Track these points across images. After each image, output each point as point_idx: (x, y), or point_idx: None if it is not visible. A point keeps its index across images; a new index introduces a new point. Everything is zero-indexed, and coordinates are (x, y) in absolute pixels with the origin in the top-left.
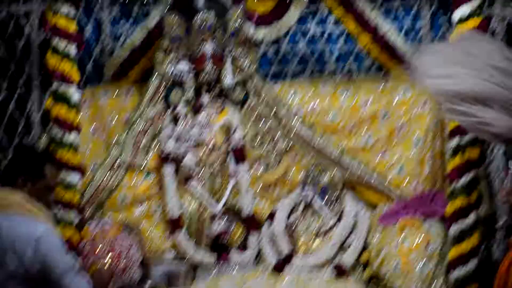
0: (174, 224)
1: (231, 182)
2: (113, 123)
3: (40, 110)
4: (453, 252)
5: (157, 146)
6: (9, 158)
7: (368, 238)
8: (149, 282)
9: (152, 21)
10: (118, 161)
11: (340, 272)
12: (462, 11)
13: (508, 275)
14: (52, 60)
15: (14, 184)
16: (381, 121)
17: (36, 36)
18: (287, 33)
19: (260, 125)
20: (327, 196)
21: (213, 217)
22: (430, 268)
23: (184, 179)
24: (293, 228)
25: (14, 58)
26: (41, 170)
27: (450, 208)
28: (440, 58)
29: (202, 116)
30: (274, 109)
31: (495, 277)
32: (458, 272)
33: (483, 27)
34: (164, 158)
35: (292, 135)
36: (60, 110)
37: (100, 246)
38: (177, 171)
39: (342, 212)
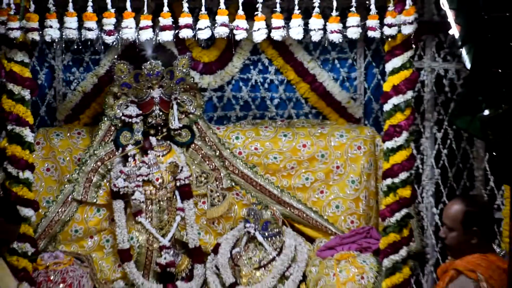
0: (123, 256)
1: (178, 217)
2: (65, 162)
3: None
4: (386, 284)
5: (108, 184)
6: None
7: (306, 270)
8: None
9: (102, 68)
10: (70, 197)
11: None
12: (394, 63)
13: None
14: (7, 104)
15: None
16: (319, 162)
17: None
18: (230, 80)
19: (204, 165)
20: (268, 231)
21: (161, 249)
22: None
23: (133, 214)
24: (236, 260)
25: None
26: (13, 215)
27: (383, 243)
28: None
29: (150, 156)
30: (218, 151)
31: None
32: None
33: (413, 78)
34: (114, 194)
35: (235, 175)
36: (15, 150)
37: (52, 276)
38: (126, 206)
39: (282, 245)
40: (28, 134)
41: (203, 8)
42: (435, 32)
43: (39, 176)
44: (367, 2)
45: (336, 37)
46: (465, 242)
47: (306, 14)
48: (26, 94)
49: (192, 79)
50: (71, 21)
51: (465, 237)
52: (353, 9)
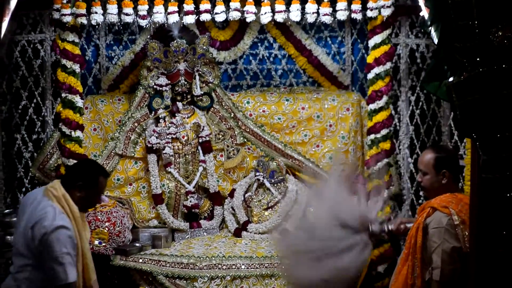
0: (157, 199)
1: (200, 168)
2: (109, 123)
3: (52, 114)
4: None
5: (143, 141)
6: (72, 166)
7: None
8: (138, 243)
9: (138, 46)
10: (113, 152)
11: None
12: (375, 40)
13: (417, 236)
14: (61, 76)
15: (73, 186)
16: (315, 122)
17: (48, 58)
18: (242, 55)
19: (222, 125)
20: (274, 178)
21: (187, 194)
22: None
23: (164, 165)
24: (249, 202)
25: (32, 74)
26: (96, 180)
27: (368, 187)
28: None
29: (177, 118)
30: (233, 113)
31: (406, 238)
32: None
33: (391, 52)
34: (148, 149)
35: (247, 132)
36: (68, 114)
37: (100, 216)
38: (158, 159)
39: (286, 190)
40: (78, 101)
41: None
42: (409, 13)
43: (87, 135)
44: None
45: (327, 19)
46: (437, 183)
47: (303, 0)
48: (76, 68)
49: (211, 54)
50: (112, 8)
51: (437, 179)
52: None
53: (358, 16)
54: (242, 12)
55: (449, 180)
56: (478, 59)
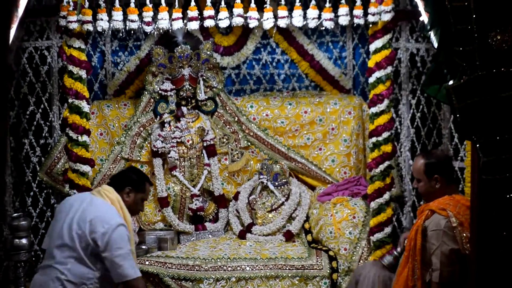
0: (162, 202)
1: (205, 171)
2: (115, 128)
3: (59, 119)
4: (373, 222)
5: (149, 145)
6: (120, 172)
7: (309, 211)
8: (144, 245)
9: (143, 52)
10: (119, 156)
11: (289, 237)
12: (376, 44)
13: (416, 238)
14: (68, 82)
15: (122, 190)
16: (317, 125)
17: (55, 64)
18: (245, 60)
19: (226, 129)
20: (278, 181)
21: (192, 197)
22: (356, 234)
23: (170, 169)
24: (253, 204)
25: (39, 80)
26: (143, 185)
27: (370, 189)
28: None
29: (182, 122)
30: (237, 117)
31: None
32: (377, 236)
33: (392, 56)
34: (154, 153)
35: (250, 136)
36: (75, 119)
37: None
38: (164, 163)
39: (289, 192)
40: (84, 106)
41: (222, 2)
42: (409, 18)
43: (94, 139)
44: None
45: (329, 24)
46: (431, 188)
47: (305, 6)
48: (83, 73)
49: (215, 59)
50: (118, 15)
51: (430, 184)
52: (343, 1)
53: (360, 21)
54: (245, 18)
55: (442, 184)
56: (477, 62)
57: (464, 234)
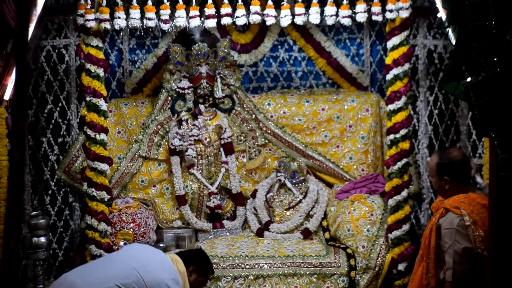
0: (180, 200)
1: (223, 169)
2: (132, 126)
3: (77, 117)
4: (391, 219)
5: (166, 143)
6: (191, 251)
7: (327, 209)
8: (162, 243)
9: (160, 50)
10: (137, 154)
11: (306, 234)
12: (393, 41)
13: (431, 236)
14: (86, 80)
15: (187, 266)
16: (335, 122)
17: (73, 62)
18: (262, 58)
19: (243, 127)
20: (295, 179)
21: (209, 195)
22: (373, 231)
23: (187, 167)
24: (270, 202)
25: (57, 79)
26: (207, 270)
27: (388, 186)
28: None
29: (199, 120)
30: (254, 115)
31: (422, 237)
32: (395, 233)
33: (409, 53)
34: (172, 151)
35: (268, 134)
36: (92, 117)
37: (124, 217)
38: (181, 161)
39: (307, 190)
40: (102, 104)
41: (239, 0)
42: (426, 15)
43: (112, 137)
44: None
45: (346, 21)
46: (441, 187)
47: (322, 3)
48: (100, 72)
49: (232, 57)
50: (135, 13)
51: (440, 183)
52: None
53: (378, 18)
54: (262, 16)
55: (452, 185)
56: (495, 59)
57: (477, 233)
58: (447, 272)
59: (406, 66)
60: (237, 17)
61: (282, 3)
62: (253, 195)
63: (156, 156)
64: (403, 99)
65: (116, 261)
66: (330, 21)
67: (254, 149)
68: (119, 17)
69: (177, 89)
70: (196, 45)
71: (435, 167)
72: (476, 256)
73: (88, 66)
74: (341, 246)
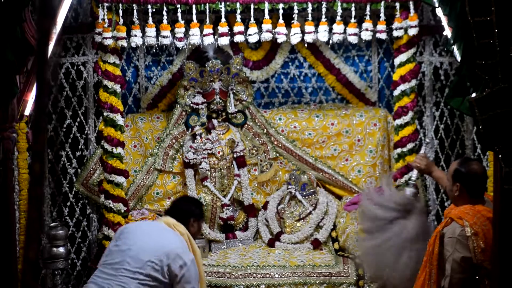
0: None
1: (235, 181)
2: (148, 140)
3: (95, 132)
4: None
5: (181, 156)
6: (179, 205)
7: (336, 220)
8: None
9: (175, 67)
10: (152, 167)
11: (316, 245)
12: (400, 58)
13: (434, 244)
14: (103, 96)
15: (188, 221)
16: (344, 137)
17: (91, 78)
18: (274, 74)
19: (255, 141)
20: (306, 191)
21: (222, 206)
22: None
23: (201, 179)
24: (281, 214)
25: (76, 95)
26: (203, 212)
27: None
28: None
29: (213, 134)
30: (265, 129)
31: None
32: None
33: (416, 70)
34: (186, 164)
35: (279, 147)
36: (109, 132)
37: None
38: (195, 173)
39: (317, 202)
40: (119, 119)
41: (252, 18)
42: (432, 33)
43: (128, 151)
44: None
45: (353, 39)
46: (451, 192)
47: (331, 21)
48: (117, 88)
49: (244, 73)
50: (151, 31)
51: (451, 188)
52: (367, 17)
53: (382, 36)
54: (274, 34)
55: (462, 194)
56: (499, 75)
57: (477, 244)
58: (446, 279)
59: (413, 82)
60: (249, 35)
61: (293, 21)
62: (265, 206)
63: (171, 169)
64: (410, 114)
65: (133, 250)
66: (337, 38)
67: (266, 163)
68: (135, 35)
69: (191, 105)
70: (210, 62)
71: (452, 171)
72: (475, 266)
73: (105, 82)
74: (350, 256)
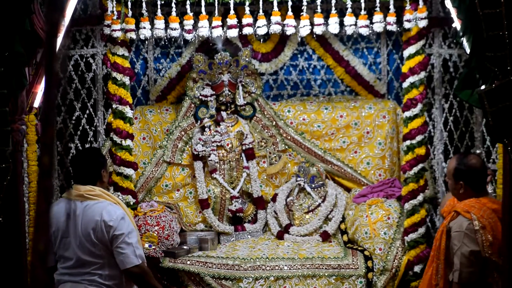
0: (203, 204)
1: (244, 174)
2: (157, 132)
3: (104, 124)
4: (407, 222)
5: (190, 148)
6: (82, 164)
7: (345, 213)
8: (186, 246)
9: (184, 59)
10: (161, 160)
11: (325, 237)
12: (409, 50)
13: (441, 238)
14: (112, 88)
15: (100, 177)
16: (353, 129)
17: (100, 71)
18: (283, 66)
19: (264, 133)
20: (314, 183)
21: (231, 198)
22: (390, 234)
23: (210, 172)
24: (290, 206)
25: (85, 87)
26: (104, 159)
27: (404, 191)
28: None
29: (221, 127)
30: (274, 121)
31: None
32: (411, 236)
33: (425, 62)
34: (195, 157)
35: (288, 140)
36: (118, 124)
37: (149, 220)
38: (204, 166)
39: (326, 194)
40: (128, 111)
41: (260, 10)
42: (442, 25)
43: (137, 143)
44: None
45: (364, 31)
46: (456, 191)
47: (341, 13)
48: (126, 80)
49: (253, 66)
50: (160, 23)
51: (455, 187)
52: (377, 9)
53: (392, 28)
54: (283, 26)
55: (467, 191)
56: (508, 67)
57: (485, 238)
58: (454, 273)
59: (422, 74)
60: (258, 27)
61: (302, 13)
62: (274, 199)
63: (180, 162)
64: (419, 106)
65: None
66: (349, 30)
67: (275, 155)
68: (144, 27)
69: (200, 97)
70: (219, 54)
71: (452, 170)
72: (484, 259)
73: (114, 74)
74: (359, 248)
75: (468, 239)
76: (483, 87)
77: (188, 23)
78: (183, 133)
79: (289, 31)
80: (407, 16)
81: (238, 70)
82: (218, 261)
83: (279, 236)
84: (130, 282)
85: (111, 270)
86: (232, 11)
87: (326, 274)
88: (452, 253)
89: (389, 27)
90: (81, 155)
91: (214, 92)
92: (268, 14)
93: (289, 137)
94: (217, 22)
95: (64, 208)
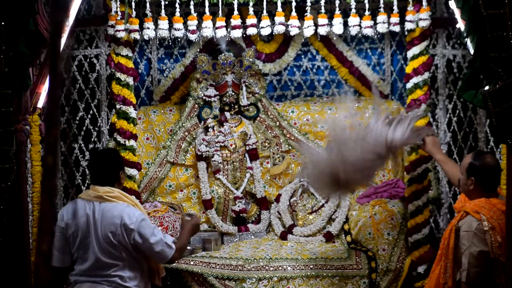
0: (206, 204)
1: (248, 174)
2: (160, 133)
3: (107, 124)
4: (411, 223)
5: (193, 149)
6: (102, 165)
7: (348, 213)
8: (189, 246)
9: (188, 59)
10: (165, 160)
11: (329, 238)
12: (413, 51)
13: (450, 237)
14: (116, 89)
15: (118, 179)
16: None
17: (104, 71)
18: (286, 67)
19: (268, 133)
20: None
21: (235, 199)
22: (394, 235)
23: (213, 172)
24: (294, 206)
25: (88, 87)
26: (121, 158)
27: (408, 191)
28: None
29: (225, 127)
30: (278, 122)
31: (441, 239)
32: (415, 237)
33: (429, 62)
34: (198, 157)
35: (291, 140)
36: (122, 124)
37: (152, 221)
38: (208, 166)
39: None
40: (132, 112)
41: (264, 11)
42: (445, 26)
43: (140, 144)
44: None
45: (369, 32)
46: (466, 186)
47: (345, 14)
48: (130, 80)
49: (257, 66)
50: (163, 24)
51: (465, 182)
52: (381, 9)
53: (396, 29)
54: (286, 26)
55: (476, 188)
56: None
57: (494, 238)
58: (462, 273)
59: (426, 75)
60: (262, 27)
61: (306, 14)
62: (277, 199)
63: (184, 162)
64: (423, 107)
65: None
66: (353, 31)
67: (278, 155)
68: (148, 28)
69: (204, 97)
70: (222, 54)
71: (466, 165)
72: (492, 260)
73: (118, 75)
74: (362, 249)
75: (477, 239)
76: (487, 87)
77: (192, 23)
78: (186, 133)
79: (293, 31)
80: (409, 17)
81: (241, 70)
82: (222, 262)
83: (283, 237)
84: (149, 282)
85: (131, 272)
86: (236, 12)
87: (329, 275)
88: (460, 252)
89: (393, 28)
90: (99, 156)
91: (217, 93)
92: (272, 15)
93: (292, 138)
94: (221, 22)
95: (84, 209)
